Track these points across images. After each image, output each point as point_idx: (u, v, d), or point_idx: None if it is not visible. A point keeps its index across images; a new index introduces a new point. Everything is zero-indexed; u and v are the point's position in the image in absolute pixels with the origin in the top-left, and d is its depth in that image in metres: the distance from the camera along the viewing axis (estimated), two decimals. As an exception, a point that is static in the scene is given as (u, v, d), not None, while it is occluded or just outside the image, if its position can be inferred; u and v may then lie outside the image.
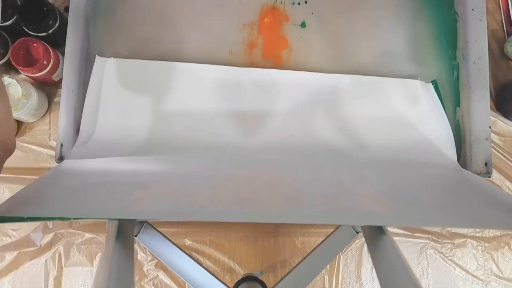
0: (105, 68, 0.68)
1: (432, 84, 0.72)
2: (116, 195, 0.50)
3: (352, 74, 0.72)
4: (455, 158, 0.69)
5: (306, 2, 0.74)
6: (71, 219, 0.41)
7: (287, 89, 0.70)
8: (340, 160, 0.65)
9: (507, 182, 0.77)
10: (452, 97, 0.74)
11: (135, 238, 0.63)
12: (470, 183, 0.61)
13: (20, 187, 0.70)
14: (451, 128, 0.72)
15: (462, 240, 0.75)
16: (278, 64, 0.72)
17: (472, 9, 0.74)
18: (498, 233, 0.76)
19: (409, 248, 0.74)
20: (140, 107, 0.67)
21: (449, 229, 0.75)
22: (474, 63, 0.72)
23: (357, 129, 0.70)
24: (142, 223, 0.65)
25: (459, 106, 0.73)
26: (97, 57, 0.67)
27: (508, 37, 0.79)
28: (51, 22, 0.66)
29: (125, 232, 0.57)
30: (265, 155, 0.65)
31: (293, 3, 0.74)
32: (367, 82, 0.71)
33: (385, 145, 0.68)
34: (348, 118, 0.70)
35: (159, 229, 0.63)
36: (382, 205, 0.50)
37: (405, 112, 0.71)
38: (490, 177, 0.70)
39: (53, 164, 0.68)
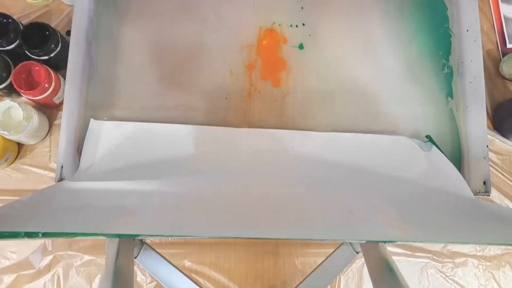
0: (100, 130, 0.68)
1: (427, 138, 0.72)
2: (99, 215, 0.49)
3: (349, 96, 0.73)
4: (470, 192, 0.68)
5: (304, 24, 0.76)
6: (40, 235, 0.40)
7: (284, 149, 0.70)
8: (346, 193, 0.64)
9: (506, 200, 0.77)
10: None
11: (135, 260, 0.63)
12: (488, 209, 0.61)
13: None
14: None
15: (463, 259, 0.75)
16: (277, 86, 0.73)
17: (467, 30, 0.75)
18: (499, 251, 0.76)
19: (410, 267, 0.74)
20: (136, 166, 0.67)
21: (449, 247, 0.75)
22: (470, 82, 0.73)
23: (362, 181, 0.69)
24: (142, 244, 0.65)
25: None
26: (91, 120, 0.68)
27: (503, 57, 0.80)
28: (53, 46, 0.67)
29: (125, 254, 0.57)
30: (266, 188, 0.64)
31: (291, 26, 0.75)
32: (364, 140, 0.71)
33: (394, 188, 0.68)
34: (346, 172, 0.70)
35: (158, 250, 0.63)
36: (399, 229, 0.50)
37: (410, 165, 0.71)
38: (489, 195, 0.70)
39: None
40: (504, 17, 0.83)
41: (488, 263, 0.75)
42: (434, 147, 0.71)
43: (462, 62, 0.75)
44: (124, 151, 0.68)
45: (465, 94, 0.74)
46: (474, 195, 0.69)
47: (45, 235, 0.39)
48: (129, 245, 0.61)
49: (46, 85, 0.66)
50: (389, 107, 0.74)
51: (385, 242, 0.56)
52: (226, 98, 0.73)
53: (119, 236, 0.51)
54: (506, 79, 0.80)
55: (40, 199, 0.54)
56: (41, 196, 0.55)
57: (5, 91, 0.68)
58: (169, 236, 0.63)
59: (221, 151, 0.69)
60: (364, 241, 0.59)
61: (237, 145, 0.69)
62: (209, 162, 0.68)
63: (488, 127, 0.77)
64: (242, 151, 0.69)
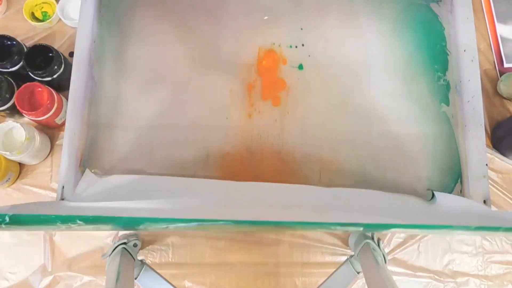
0: (94, 180, 0.66)
1: (430, 192, 0.70)
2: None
3: (349, 115, 0.74)
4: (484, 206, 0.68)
5: (303, 45, 0.77)
6: (6, 219, 0.35)
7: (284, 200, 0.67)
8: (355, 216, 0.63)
9: (507, 219, 0.77)
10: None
11: (135, 280, 0.63)
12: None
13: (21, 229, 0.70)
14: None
15: (464, 278, 0.74)
16: (277, 105, 0.74)
17: (464, 50, 0.76)
18: (501, 271, 0.75)
19: (411, 287, 0.73)
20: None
21: (451, 267, 0.75)
22: (468, 102, 0.74)
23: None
24: (142, 265, 0.65)
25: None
26: (87, 171, 0.67)
27: (500, 76, 0.81)
28: (56, 67, 0.68)
29: (125, 275, 0.57)
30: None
31: (290, 46, 0.77)
32: (368, 195, 0.69)
33: None
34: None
35: (158, 271, 0.63)
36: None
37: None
38: (489, 214, 0.70)
39: (54, 206, 0.69)
40: (501, 37, 0.84)
41: (490, 283, 0.74)
42: (438, 194, 0.69)
43: (460, 82, 0.76)
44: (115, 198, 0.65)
45: (464, 113, 0.74)
46: (474, 214, 0.69)
47: (14, 219, 0.36)
48: (129, 266, 0.61)
49: (49, 106, 0.67)
50: (389, 126, 0.75)
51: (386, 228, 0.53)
52: (226, 118, 0.73)
53: (100, 220, 0.43)
54: (504, 98, 0.81)
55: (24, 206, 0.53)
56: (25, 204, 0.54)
57: (8, 112, 0.69)
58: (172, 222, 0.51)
59: (218, 200, 0.67)
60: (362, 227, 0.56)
61: (235, 197, 0.68)
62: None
63: (487, 145, 0.77)
64: (240, 199, 0.68)
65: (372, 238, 0.69)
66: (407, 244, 0.74)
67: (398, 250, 0.74)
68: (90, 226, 0.43)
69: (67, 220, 0.38)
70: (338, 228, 0.49)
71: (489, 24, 0.85)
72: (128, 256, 0.63)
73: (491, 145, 0.79)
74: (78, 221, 0.39)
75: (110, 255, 0.63)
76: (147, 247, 0.72)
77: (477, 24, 0.81)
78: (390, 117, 0.75)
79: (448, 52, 0.78)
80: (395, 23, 0.79)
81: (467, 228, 0.45)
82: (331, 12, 0.79)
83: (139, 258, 0.68)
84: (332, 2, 0.79)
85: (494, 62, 0.83)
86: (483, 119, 0.72)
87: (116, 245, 0.64)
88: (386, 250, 0.74)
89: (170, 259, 0.71)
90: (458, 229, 0.45)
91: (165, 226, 0.44)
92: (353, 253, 0.71)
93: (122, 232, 0.71)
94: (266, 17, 0.78)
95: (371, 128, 0.74)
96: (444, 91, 0.76)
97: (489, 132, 0.80)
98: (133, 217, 0.42)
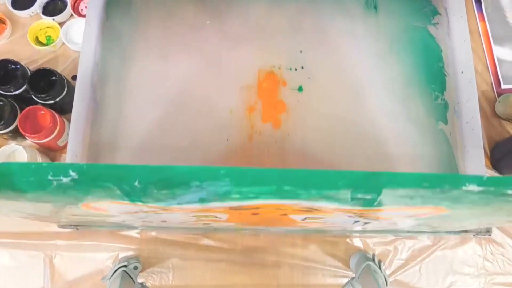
0: None
1: None
2: None
3: (348, 135, 0.74)
4: None
5: (302, 67, 0.78)
6: None
7: None
8: None
9: (507, 239, 0.76)
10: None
11: (135, 304, 0.62)
12: None
13: (21, 252, 0.70)
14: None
15: (467, 301, 0.74)
16: (277, 127, 0.74)
17: (462, 72, 0.77)
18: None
19: (414, 310, 0.73)
20: None
21: (452, 289, 0.74)
22: (467, 123, 0.74)
23: None
24: (142, 288, 0.64)
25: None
26: None
27: (498, 97, 0.82)
28: (59, 90, 0.69)
29: (125, 299, 0.56)
30: None
31: (290, 69, 0.78)
32: None
33: None
34: None
35: (159, 294, 0.62)
36: None
37: None
38: (490, 235, 0.70)
39: (55, 228, 0.68)
40: (498, 58, 0.85)
41: (493, 305, 0.74)
42: None
43: (458, 103, 0.76)
44: None
45: (463, 134, 0.75)
46: (475, 235, 0.69)
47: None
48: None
49: (51, 129, 0.67)
50: (387, 146, 0.75)
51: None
52: (227, 140, 0.74)
53: (98, 171, 0.34)
54: (502, 119, 0.82)
55: None
56: None
57: (10, 134, 0.69)
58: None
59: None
60: None
61: None
62: None
63: (487, 166, 0.78)
64: None
65: (373, 260, 0.69)
66: (408, 266, 0.74)
67: (399, 272, 0.74)
68: (91, 187, 0.36)
69: (59, 170, 0.33)
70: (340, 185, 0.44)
71: (485, 46, 0.86)
72: (128, 279, 0.63)
73: (490, 166, 0.80)
74: (71, 171, 0.33)
75: (110, 278, 0.63)
76: (148, 270, 0.71)
77: (474, 46, 0.82)
78: (389, 137, 0.75)
79: (446, 73, 0.79)
80: (393, 45, 0.81)
81: (478, 179, 0.42)
82: (330, 35, 0.80)
83: (139, 281, 0.68)
84: (331, 26, 0.81)
85: (491, 83, 0.84)
86: (482, 140, 0.72)
87: (116, 267, 0.64)
88: (387, 272, 0.73)
89: (170, 282, 0.71)
90: (469, 181, 0.42)
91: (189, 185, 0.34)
92: (354, 275, 0.70)
93: (122, 255, 0.71)
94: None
95: (371, 149, 0.75)
96: (442, 110, 0.77)
97: (488, 153, 0.80)
98: (149, 165, 0.33)
